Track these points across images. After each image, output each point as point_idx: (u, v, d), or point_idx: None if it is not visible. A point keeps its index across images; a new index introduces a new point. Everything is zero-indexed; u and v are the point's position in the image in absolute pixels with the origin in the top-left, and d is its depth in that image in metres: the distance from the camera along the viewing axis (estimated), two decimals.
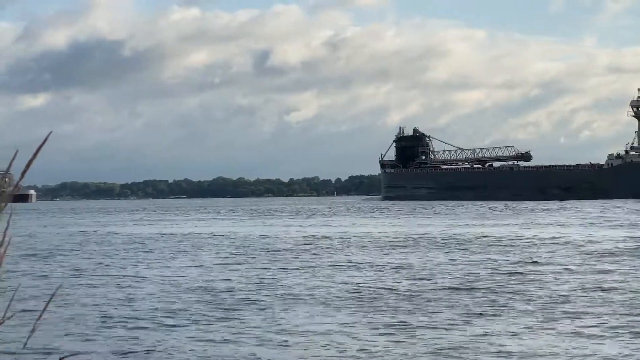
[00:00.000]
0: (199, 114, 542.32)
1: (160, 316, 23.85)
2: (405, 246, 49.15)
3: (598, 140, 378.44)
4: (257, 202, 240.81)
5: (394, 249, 47.47)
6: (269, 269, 37.29)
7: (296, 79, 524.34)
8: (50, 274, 37.21)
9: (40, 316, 6.20)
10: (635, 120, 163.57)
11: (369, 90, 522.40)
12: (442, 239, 54.07)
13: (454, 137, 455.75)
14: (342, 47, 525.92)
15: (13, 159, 5.61)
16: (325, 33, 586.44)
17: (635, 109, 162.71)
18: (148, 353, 19.15)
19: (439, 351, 18.46)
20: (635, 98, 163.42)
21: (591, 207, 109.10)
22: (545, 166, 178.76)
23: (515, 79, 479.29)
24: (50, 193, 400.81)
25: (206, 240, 59.94)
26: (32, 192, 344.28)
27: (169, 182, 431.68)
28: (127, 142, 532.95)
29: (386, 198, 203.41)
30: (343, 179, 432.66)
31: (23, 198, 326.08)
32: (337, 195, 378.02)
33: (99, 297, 28.23)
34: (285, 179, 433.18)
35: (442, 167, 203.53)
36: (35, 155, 5.67)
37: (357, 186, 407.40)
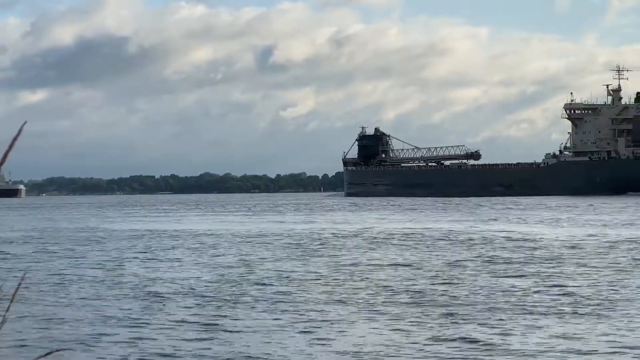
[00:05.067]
0: (195, 110, 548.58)
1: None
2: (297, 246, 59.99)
3: None
4: (218, 198, 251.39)
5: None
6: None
7: (297, 76, 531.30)
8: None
9: (8, 308, 6.08)
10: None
11: (368, 87, 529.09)
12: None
13: (446, 134, 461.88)
14: (346, 44, 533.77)
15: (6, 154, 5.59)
16: (330, 30, 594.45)
17: (568, 111, 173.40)
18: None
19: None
20: (568, 101, 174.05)
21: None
22: (489, 165, 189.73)
23: (514, 77, 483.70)
24: (37, 188, 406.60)
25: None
26: (21, 187, 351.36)
27: (156, 177, 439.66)
28: (121, 138, 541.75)
29: (348, 194, 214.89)
30: (330, 175, 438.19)
31: (12, 193, 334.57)
32: (324, 192, 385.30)
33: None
34: (278, 174, 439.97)
35: (402, 165, 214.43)
36: (11, 146, 5.67)
37: (342, 182, 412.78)
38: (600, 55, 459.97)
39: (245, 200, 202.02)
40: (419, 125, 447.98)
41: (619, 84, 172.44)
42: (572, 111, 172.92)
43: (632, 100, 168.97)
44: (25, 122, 5.84)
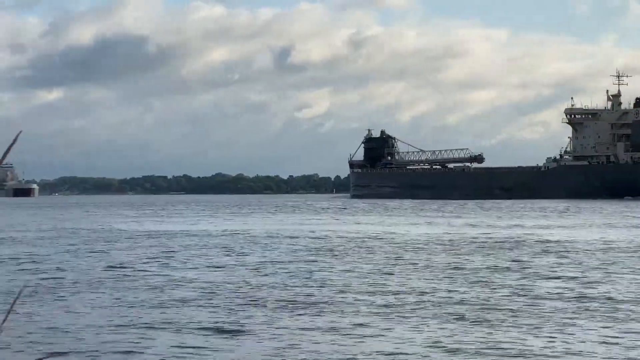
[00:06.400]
0: (210, 110, 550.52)
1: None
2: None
3: None
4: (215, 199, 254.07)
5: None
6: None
7: (313, 77, 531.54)
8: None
9: (6, 318, 6.05)
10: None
11: (384, 89, 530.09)
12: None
13: (461, 135, 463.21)
14: (364, 45, 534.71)
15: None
16: (348, 32, 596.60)
17: (569, 116, 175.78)
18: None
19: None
20: (569, 106, 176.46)
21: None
22: (491, 168, 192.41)
23: (531, 79, 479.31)
24: (48, 188, 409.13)
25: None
26: (34, 186, 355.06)
27: (168, 177, 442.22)
28: (136, 137, 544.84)
29: (354, 196, 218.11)
30: (342, 177, 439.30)
31: (26, 192, 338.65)
32: (336, 193, 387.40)
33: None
34: (291, 175, 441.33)
35: (408, 167, 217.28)
36: (5, 154, 5.70)
37: None
38: (618, 58, 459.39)
39: (238, 202, 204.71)
40: (434, 127, 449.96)
41: (619, 89, 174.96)
42: (573, 116, 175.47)
43: (632, 106, 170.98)
44: (20, 132, 5.77)
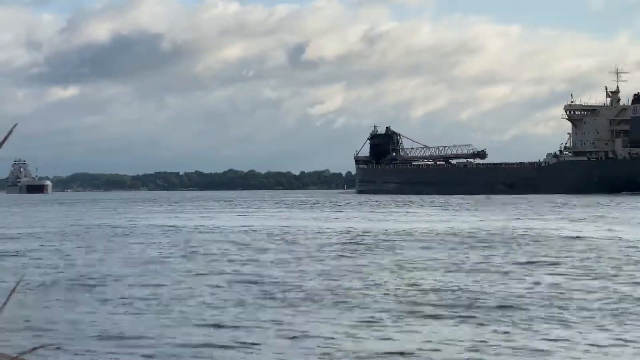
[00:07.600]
0: (224, 107, 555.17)
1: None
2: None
3: None
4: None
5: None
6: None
7: (327, 73, 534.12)
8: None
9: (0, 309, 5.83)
10: (569, 123, 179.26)
11: (397, 85, 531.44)
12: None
13: (473, 131, 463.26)
14: (378, 41, 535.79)
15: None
16: (362, 28, 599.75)
17: (568, 112, 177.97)
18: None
19: None
20: (569, 102, 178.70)
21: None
22: (493, 164, 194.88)
23: (544, 75, 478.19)
24: (61, 184, 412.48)
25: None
26: (48, 182, 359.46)
27: (180, 174, 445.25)
28: (149, 134, 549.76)
29: (360, 191, 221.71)
30: (354, 173, 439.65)
31: (40, 189, 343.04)
32: (347, 189, 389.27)
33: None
34: (302, 171, 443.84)
35: (413, 163, 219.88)
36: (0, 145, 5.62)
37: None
38: (632, 55, 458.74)
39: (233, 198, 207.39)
40: (447, 123, 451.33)
41: (618, 86, 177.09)
42: (572, 112, 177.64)
43: (630, 102, 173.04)
44: (15, 125, 5.85)
